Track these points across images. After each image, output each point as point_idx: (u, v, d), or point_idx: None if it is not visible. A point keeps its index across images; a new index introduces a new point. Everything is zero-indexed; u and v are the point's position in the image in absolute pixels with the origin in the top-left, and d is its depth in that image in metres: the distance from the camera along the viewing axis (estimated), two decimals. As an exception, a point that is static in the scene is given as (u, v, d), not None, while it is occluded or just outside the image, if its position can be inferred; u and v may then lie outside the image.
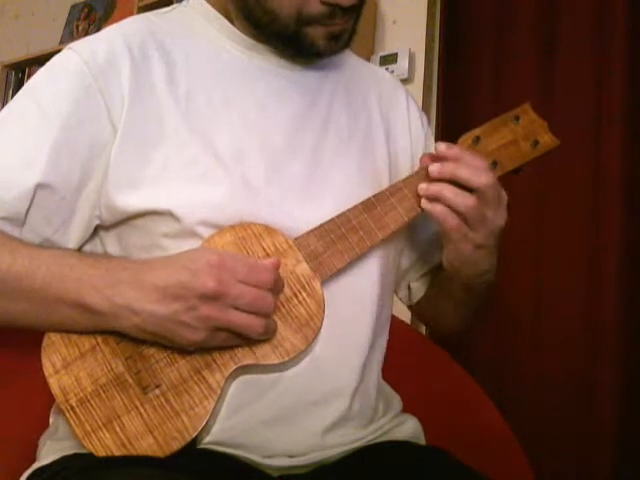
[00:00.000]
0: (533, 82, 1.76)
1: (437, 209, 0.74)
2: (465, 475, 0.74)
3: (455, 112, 1.86)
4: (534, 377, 1.67)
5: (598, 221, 1.64)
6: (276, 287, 0.68)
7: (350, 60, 0.95)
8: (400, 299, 0.98)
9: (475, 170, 0.73)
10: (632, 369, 1.54)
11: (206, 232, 0.72)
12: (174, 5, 0.87)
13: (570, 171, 1.69)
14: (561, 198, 1.71)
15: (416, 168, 0.88)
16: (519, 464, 0.95)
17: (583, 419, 1.58)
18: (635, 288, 1.58)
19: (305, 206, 0.76)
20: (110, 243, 0.78)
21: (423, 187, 0.75)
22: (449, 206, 0.73)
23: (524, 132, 0.81)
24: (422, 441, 0.84)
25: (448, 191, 0.73)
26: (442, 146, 0.75)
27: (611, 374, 1.55)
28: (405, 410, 0.87)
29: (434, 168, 0.75)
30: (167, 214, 0.72)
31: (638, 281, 1.59)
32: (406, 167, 0.88)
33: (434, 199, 0.74)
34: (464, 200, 0.72)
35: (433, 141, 0.96)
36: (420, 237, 0.94)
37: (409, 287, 0.97)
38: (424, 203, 0.75)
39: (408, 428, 0.83)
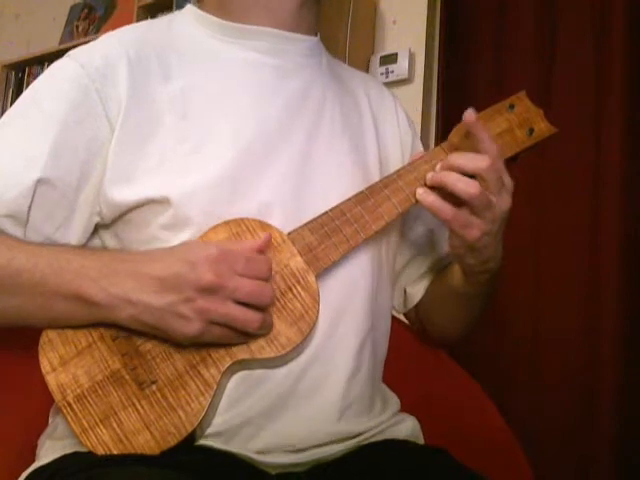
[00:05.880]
0: (533, 82, 1.76)
1: (429, 199, 0.75)
2: (464, 475, 0.74)
3: (455, 112, 1.85)
4: (534, 377, 1.67)
5: (598, 222, 1.64)
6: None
7: (337, 65, 0.97)
8: (394, 307, 0.96)
9: (471, 156, 0.74)
10: (632, 370, 1.54)
11: (202, 219, 0.72)
12: (169, 15, 0.90)
13: (569, 169, 1.69)
14: (560, 198, 1.71)
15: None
16: (519, 464, 0.95)
17: (583, 419, 1.58)
18: (635, 290, 1.58)
19: (299, 192, 0.77)
20: (109, 241, 0.79)
21: (429, 176, 0.76)
22: (454, 193, 0.73)
23: (519, 120, 0.81)
24: (421, 440, 0.85)
25: (450, 178, 0.73)
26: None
27: (611, 375, 1.55)
28: (404, 410, 0.87)
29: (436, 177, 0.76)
30: (164, 202, 0.73)
31: (638, 282, 1.59)
32: (396, 166, 0.89)
33: (437, 186, 0.75)
34: (467, 187, 0.72)
35: (420, 143, 0.98)
36: (413, 236, 0.94)
37: (405, 293, 0.96)
38: (419, 194, 0.76)
39: (407, 427, 0.83)
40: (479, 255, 0.79)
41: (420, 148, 0.97)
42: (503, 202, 0.75)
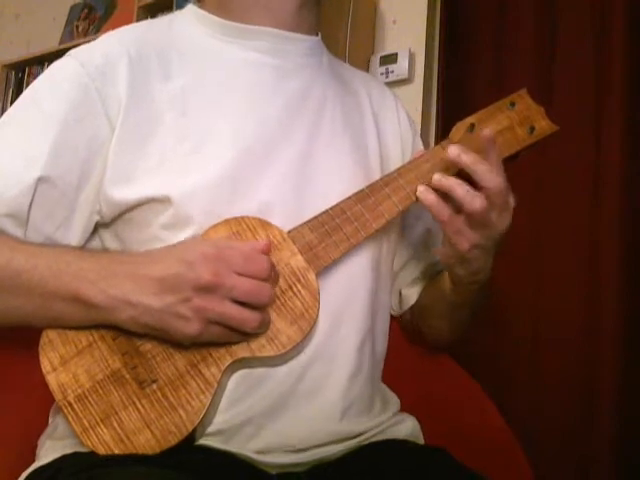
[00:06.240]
0: (533, 82, 1.76)
1: (430, 198, 0.74)
2: (464, 475, 0.74)
3: (455, 112, 1.86)
4: (534, 377, 1.67)
5: (598, 222, 1.64)
6: (273, 275, 0.69)
7: (338, 65, 0.97)
8: (391, 307, 0.96)
9: (492, 169, 0.72)
10: (632, 370, 1.54)
11: (203, 218, 0.72)
12: (169, 14, 0.90)
13: (569, 169, 1.68)
14: (560, 198, 1.71)
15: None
16: (519, 464, 0.95)
17: (583, 419, 1.58)
18: (635, 290, 1.58)
19: (299, 192, 0.77)
20: (109, 241, 0.79)
21: (437, 177, 0.74)
22: (458, 203, 0.73)
23: (520, 118, 0.80)
24: (420, 440, 0.85)
25: (459, 189, 0.72)
26: (455, 151, 0.74)
27: (611, 375, 1.55)
28: (404, 410, 0.87)
29: (454, 151, 0.73)
30: (165, 201, 0.73)
31: (638, 283, 1.59)
32: (396, 164, 0.88)
33: (443, 191, 0.74)
34: (472, 201, 0.72)
35: (420, 142, 0.98)
36: (411, 237, 0.94)
37: (400, 294, 0.96)
38: (419, 192, 0.75)
39: (406, 427, 0.83)
40: (469, 266, 0.78)
41: (420, 147, 0.97)
42: (503, 221, 0.74)
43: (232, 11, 0.83)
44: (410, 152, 0.93)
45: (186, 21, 0.86)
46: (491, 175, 0.72)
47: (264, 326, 0.69)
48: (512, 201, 0.75)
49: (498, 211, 0.73)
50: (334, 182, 0.80)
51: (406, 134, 0.95)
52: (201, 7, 0.86)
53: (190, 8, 0.87)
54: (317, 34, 0.90)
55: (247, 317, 0.67)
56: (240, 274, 0.67)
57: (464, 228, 0.74)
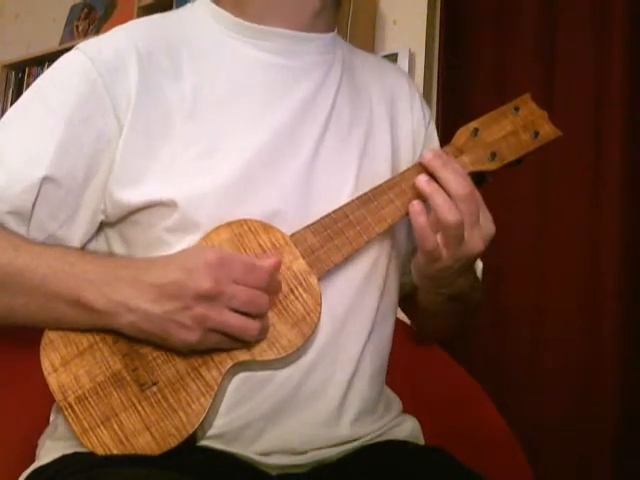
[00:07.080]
0: (533, 82, 1.76)
1: (420, 221, 0.72)
2: (464, 475, 0.74)
3: (455, 112, 1.86)
4: (534, 377, 1.67)
5: (598, 222, 1.64)
6: (272, 286, 0.69)
7: (355, 56, 0.93)
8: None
9: (458, 179, 0.72)
10: (632, 370, 1.54)
11: (209, 224, 0.72)
12: (178, 9, 0.89)
13: (570, 169, 1.68)
14: (561, 198, 1.71)
15: (416, 158, 0.88)
16: (519, 464, 0.95)
17: (583, 419, 1.58)
18: (635, 290, 1.58)
19: (307, 198, 0.77)
20: (115, 241, 0.79)
21: (422, 180, 0.73)
22: (434, 210, 0.72)
23: (524, 123, 0.80)
24: (421, 441, 0.85)
25: (439, 197, 0.71)
26: (428, 155, 0.74)
27: (611, 375, 1.55)
28: (404, 410, 0.87)
29: (428, 155, 0.74)
30: (170, 205, 0.72)
31: (638, 283, 1.59)
32: (407, 154, 0.88)
33: (425, 197, 0.73)
34: (450, 213, 0.70)
35: (435, 134, 0.96)
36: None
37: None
38: (412, 211, 0.73)
39: (407, 428, 0.83)
40: (430, 282, 0.79)
41: (434, 135, 0.95)
42: (475, 240, 0.72)
43: (247, 11, 0.81)
44: (421, 144, 0.92)
45: (198, 16, 0.84)
46: (458, 182, 0.71)
47: (263, 334, 0.69)
48: (488, 225, 0.74)
49: (469, 223, 0.72)
50: (341, 187, 0.79)
51: (418, 125, 0.92)
52: (216, 3, 0.84)
53: (204, 3, 0.85)
54: (334, 29, 0.87)
55: (247, 326, 0.67)
56: (239, 283, 0.66)
57: (439, 247, 0.73)
